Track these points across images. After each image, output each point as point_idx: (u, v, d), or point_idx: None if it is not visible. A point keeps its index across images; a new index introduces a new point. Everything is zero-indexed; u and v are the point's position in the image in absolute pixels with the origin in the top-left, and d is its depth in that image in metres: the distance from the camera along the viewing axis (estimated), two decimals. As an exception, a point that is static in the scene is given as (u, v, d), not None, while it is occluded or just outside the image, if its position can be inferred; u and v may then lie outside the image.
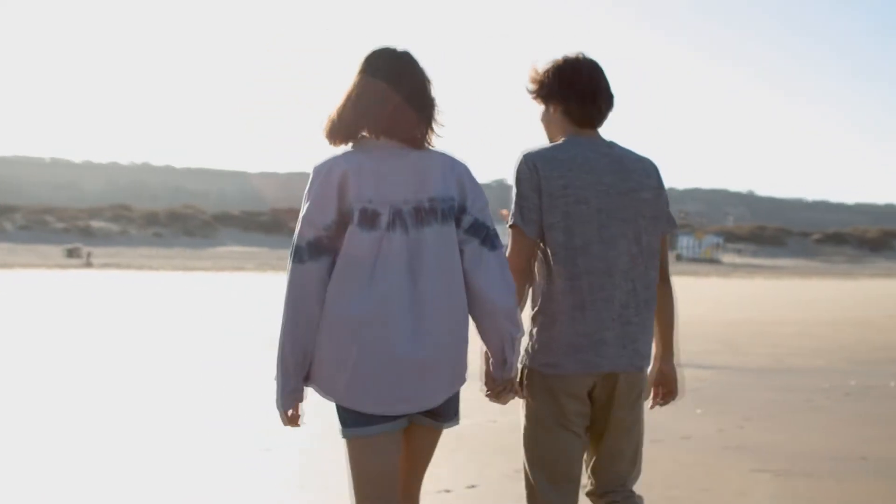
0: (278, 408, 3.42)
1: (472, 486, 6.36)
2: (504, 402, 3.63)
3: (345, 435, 3.37)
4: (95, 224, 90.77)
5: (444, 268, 3.33)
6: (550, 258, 3.56)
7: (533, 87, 3.74)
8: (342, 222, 3.29)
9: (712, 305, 29.68)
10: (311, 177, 3.36)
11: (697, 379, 12.14)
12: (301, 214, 3.32)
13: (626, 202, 3.61)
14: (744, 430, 8.67)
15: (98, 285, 34.74)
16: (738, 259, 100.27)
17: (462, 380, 3.46)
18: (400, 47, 3.48)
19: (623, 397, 3.63)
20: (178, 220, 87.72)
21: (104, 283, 36.91)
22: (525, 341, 3.61)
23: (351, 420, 3.34)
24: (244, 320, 20.20)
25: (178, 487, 6.35)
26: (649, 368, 3.77)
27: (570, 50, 3.73)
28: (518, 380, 3.62)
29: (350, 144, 3.42)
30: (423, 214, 3.33)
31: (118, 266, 54.37)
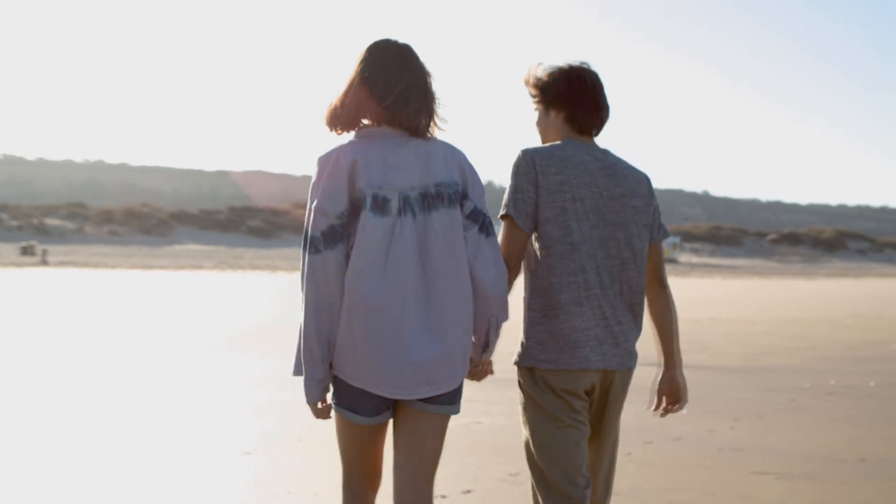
0: (309, 402, 3.44)
1: (468, 492, 6.12)
2: (479, 380, 3.70)
3: (334, 408, 3.46)
4: (50, 222, 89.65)
5: (452, 252, 3.40)
6: (546, 253, 3.61)
7: (535, 91, 3.80)
8: (354, 210, 3.34)
9: (679, 303, 29.54)
10: (317, 168, 3.41)
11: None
12: (312, 205, 3.35)
13: (618, 206, 3.68)
14: (735, 430, 8.49)
15: (55, 283, 34.24)
16: (695, 259, 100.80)
17: (467, 365, 3.51)
18: (401, 40, 3.52)
19: (617, 396, 3.71)
20: (135, 218, 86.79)
21: (61, 281, 36.39)
22: (522, 337, 3.68)
23: (340, 398, 3.43)
24: (207, 319, 19.85)
25: (152, 495, 6.05)
26: (656, 376, 3.87)
27: (573, 58, 3.82)
28: (518, 380, 3.71)
29: (352, 133, 3.48)
30: (430, 199, 3.39)
31: (74, 264, 53.72)
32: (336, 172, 3.36)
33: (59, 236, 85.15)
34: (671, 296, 3.91)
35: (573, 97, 3.74)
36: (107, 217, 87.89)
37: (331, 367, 3.43)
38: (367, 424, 3.44)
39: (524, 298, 3.72)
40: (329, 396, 3.48)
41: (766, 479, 6.61)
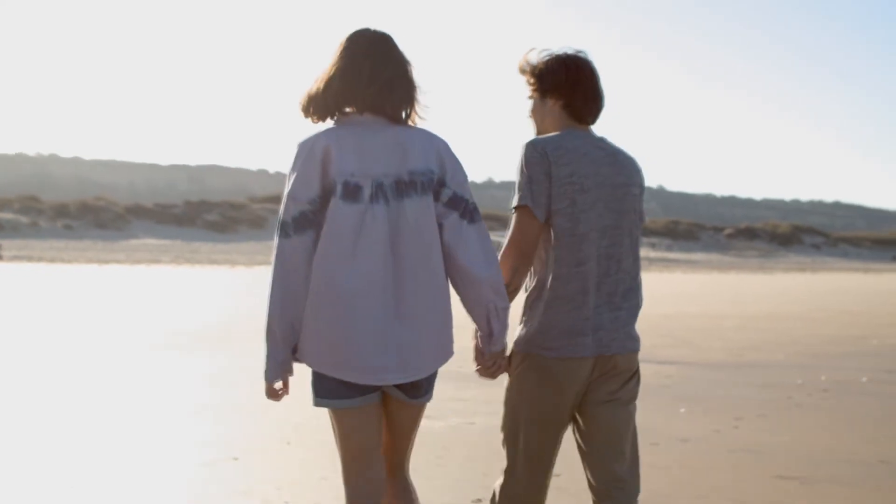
0: (266, 379, 3.45)
1: (479, 500, 5.67)
2: (493, 377, 3.69)
3: (315, 404, 3.45)
4: (3, 216, 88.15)
5: (423, 239, 3.40)
6: (554, 244, 3.61)
7: (533, 79, 3.78)
8: (326, 196, 3.36)
9: (644, 298, 29.40)
10: (294, 153, 3.43)
11: (663, 375, 11.67)
12: (286, 190, 3.39)
13: (620, 195, 3.70)
14: (740, 430, 8.12)
15: (9, 278, 33.42)
16: (652, 253, 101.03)
17: (449, 353, 3.50)
18: (381, 29, 3.55)
19: (623, 379, 3.71)
20: (90, 212, 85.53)
21: (15, 276, 35.56)
22: (522, 327, 3.68)
23: (323, 391, 3.42)
24: (173, 315, 19.28)
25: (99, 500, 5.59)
26: None
27: (567, 47, 3.80)
28: (512, 366, 3.69)
29: (330, 120, 3.49)
30: (403, 187, 3.39)
31: (29, 259, 52.78)
32: (310, 158, 3.38)
33: (13, 230, 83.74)
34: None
35: (572, 85, 3.73)
36: (61, 211, 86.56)
37: (296, 353, 3.44)
38: (355, 407, 3.42)
39: (526, 286, 3.71)
40: (301, 389, 3.47)
41: (792, 484, 6.24)
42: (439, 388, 3.70)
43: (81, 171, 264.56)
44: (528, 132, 3.87)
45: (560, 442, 3.72)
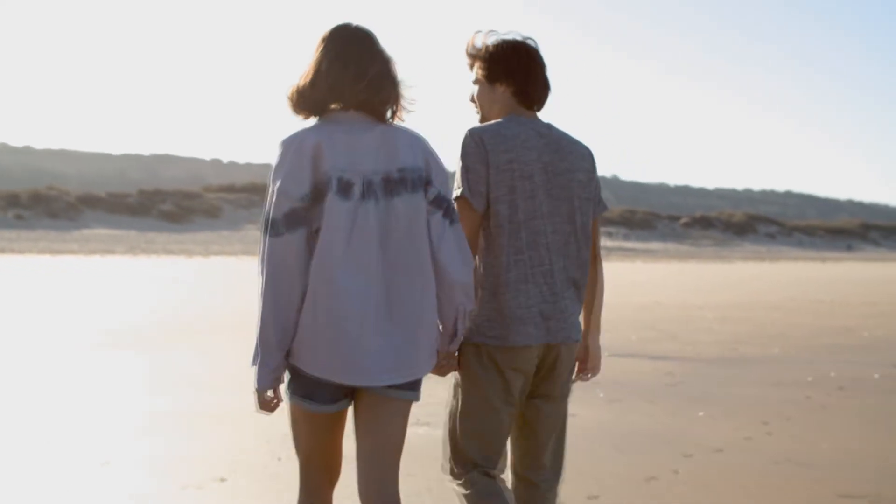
0: (258, 389, 3.33)
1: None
2: (445, 375, 3.65)
3: (288, 398, 3.38)
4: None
5: (414, 237, 3.36)
6: (495, 232, 3.61)
7: (483, 63, 3.73)
8: (316, 193, 3.30)
9: (612, 288, 28.93)
10: (280, 150, 3.35)
11: (663, 372, 11.02)
12: (274, 187, 3.30)
13: (563, 181, 3.69)
14: (774, 437, 7.48)
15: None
16: (609, 242, 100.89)
17: (434, 353, 3.46)
18: (362, 25, 3.51)
19: (563, 368, 3.72)
20: (41, 201, 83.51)
21: (-34, 267, 34.37)
22: None
23: (295, 387, 3.35)
24: (107, 309, 18.33)
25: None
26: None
27: (515, 32, 3.75)
28: (457, 355, 3.64)
29: (313, 117, 3.44)
30: (393, 185, 3.36)
31: (-22, 250, 51.37)
32: (300, 155, 3.32)
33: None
34: (601, 269, 3.91)
35: (525, 72, 3.71)
36: (12, 201, 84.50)
37: (288, 355, 3.34)
38: (325, 413, 3.38)
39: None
40: (283, 389, 3.39)
41: (860, 503, 5.57)
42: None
43: (32, 161, 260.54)
44: (472, 117, 3.84)
45: (508, 430, 3.70)
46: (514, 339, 3.58)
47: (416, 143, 3.45)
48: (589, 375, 3.93)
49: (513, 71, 3.70)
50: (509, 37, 3.73)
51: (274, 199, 3.29)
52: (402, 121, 3.50)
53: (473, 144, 3.60)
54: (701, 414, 8.40)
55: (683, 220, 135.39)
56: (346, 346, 3.27)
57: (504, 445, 3.72)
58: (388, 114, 3.46)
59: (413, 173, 3.38)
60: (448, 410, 3.74)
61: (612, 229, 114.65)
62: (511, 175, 3.59)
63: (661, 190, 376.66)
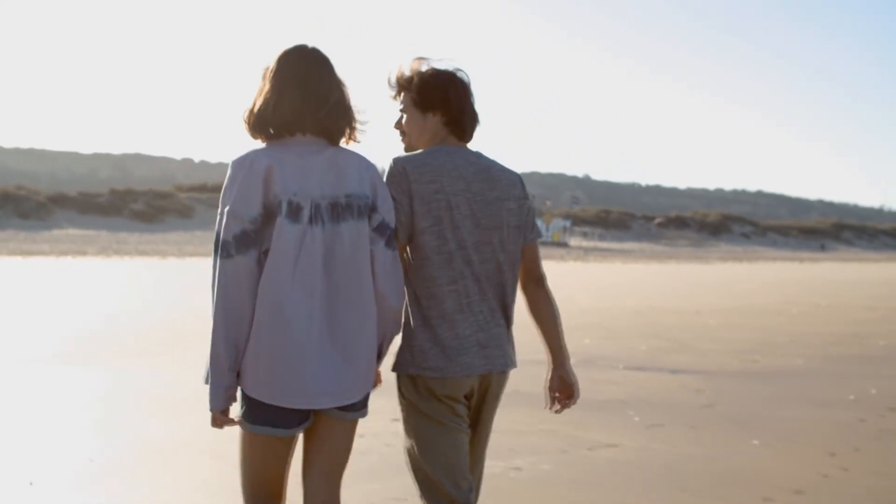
0: (212, 409, 3.36)
1: None
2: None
3: (248, 430, 3.38)
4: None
5: (358, 264, 3.41)
6: (425, 263, 3.62)
7: (415, 93, 3.71)
8: (267, 215, 3.33)
9: (598, 290, 28.24)
10: (230, 171, 3.38)
11: (690, 389, 10.24)
12: (225, 208, 3.34)
13: (493, 210, 3.69)
14: (850, 473, 6.70)
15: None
16: (584, 242, 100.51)
17: (374, 375, 3.52)
18: (317, 47, 3.51)
19: (494, 396, 3.76)
20: (10, 201, 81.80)
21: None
22: (397, 346, 3.70)
23: (255, 417, 3.35)
24: (70, 316, 17.34)
25: None
26: (547, 374, 3.86)
27: (446, 62, 3.74)
28: (398, 387, 3.69)
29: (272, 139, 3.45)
30: (340, 210, 3.39)
31: (-54, 250, 50.13)
32: (251, 176, 3.34)
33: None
34: (550, 293, 3.87)
35: (457, 102, 3.70)
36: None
37: (238, 379, 3.36)
38: (285, 437, 3.40)
39: (405, 306, 3.68)
40: (236, 414, 3.41)
41: None
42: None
43: (0, 160, 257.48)
44: (397, 145, 3.82)
45: (467, 452, 3.69)
46: (453, 371, 3.59)
47: (365, 170, 3.47)
48: (570, 403, 3.86)
49: (448, 100, 3.68)
50: (442, 65, 3.72)
51: (224, 221, 3.31)
52: (358, 142, 3.53)
53: (397, 174, 3.60)
54: (756, 443, 7.58)
55: (658, 220, 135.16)
56: (287, 369, 3.29)
57: (466, 468, 3.68)
58: (342, 139, 3.49)
59: (360, 200, 3.42)
60: (406, 452, 3.71)
61: (587, 229, 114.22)
62: (438, 205, 3.59)
63: (633, 190, 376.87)
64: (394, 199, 3.56)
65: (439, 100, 3.69)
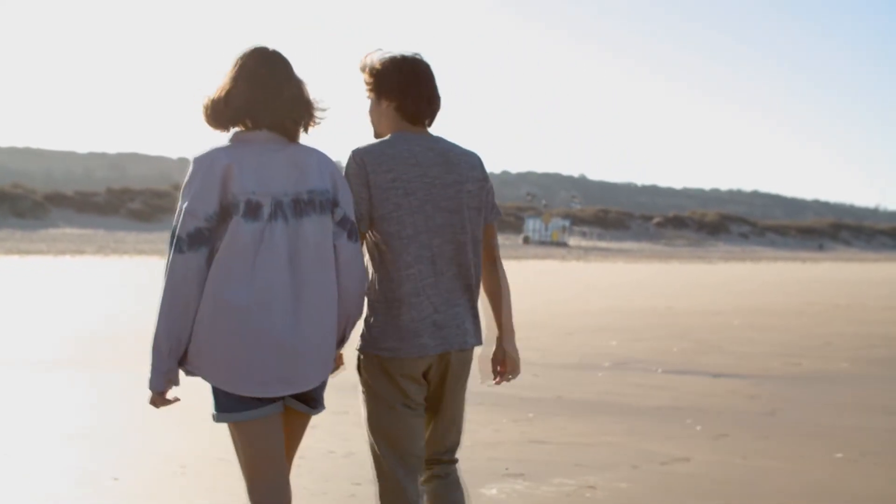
0: (152, 389, 3.49)
1: None
2: (332, 374, 3.73)
3: (216, 419, 3.51)
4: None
5: (322, 257, 3.53)
6: (384, 248, 3.74)
7: (370, 79, 3.84)
8: (224, 214, 3.42)
9: (608, 290, 27.75)
10: (191, 168, 3.47)
11: (743, 395, 9.68)
12: (183, 205, 3.43)
13: (451, 193, 3.80)
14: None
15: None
16: (583, 242, 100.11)
17: (332, 364, 3.65)
18: (278, 49, 3.65)
19: (456, 373, 3.86)
20: (6, 200, 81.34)
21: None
22: (361, 327, 3.80)
23: (226, 405, 3.47)
24: (65, 317, 16.73)
25: None
26: (491, 349, 3.99)
27: (406, 49, 3.86)
28: (357, 365, 3.83)
29: (230, 132, 3.55)
30: (302, 206, 3.50)
31: (-57, 249, 49.58)
32: (209, 175, 3.42)
33: (-76, 219, 79.77)
34: (503, 273, 3.99)
35: (404, 88, 3.79)
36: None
37: (187, 366, 3.49)
38: (258, 418, 3.47)
39: (366, 289, 3.79)
40: (214, 415, 3.53)
41: None
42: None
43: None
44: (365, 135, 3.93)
45: (417, 433, 3.79)
46: (406, 351, 3.72)
47: (325, 165, 3.58)
48: (509, 377, 3.98)
49: (393, 87, 3.78)
50: (395, 53, 3.81)
51: (181, 218, 3.42)
52: (316, 125, 3.63)
53: (354, 166, 3.72)
54: (839, 456, 6.98)
55: (657, 220, 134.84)
56: (245, 358, 3.40)
57: (417, 448, 3.80)
58: (299, 133, 3.58)
59: (322, 195, 3.53)
60: (365, 423, 3.86)
61: (586, 229, 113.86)
62: (395, 193, 3.71)
63: (629, 189, 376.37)
64: (354, 190, 3.69)
65: (388, 87, 3.80)
